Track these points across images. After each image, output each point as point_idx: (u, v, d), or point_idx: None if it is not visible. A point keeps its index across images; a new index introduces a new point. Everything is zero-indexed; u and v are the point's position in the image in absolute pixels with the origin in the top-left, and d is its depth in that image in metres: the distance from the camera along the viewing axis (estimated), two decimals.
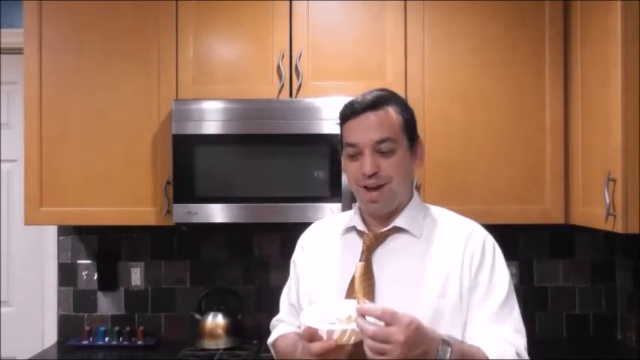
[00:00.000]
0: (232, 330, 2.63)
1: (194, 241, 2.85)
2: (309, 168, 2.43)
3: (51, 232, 2.87)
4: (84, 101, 2.53)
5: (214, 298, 2.76)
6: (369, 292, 1.34)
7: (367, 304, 1.21)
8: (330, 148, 2.40)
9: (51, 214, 2.52)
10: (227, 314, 2.65)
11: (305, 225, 2.76)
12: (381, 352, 1.15)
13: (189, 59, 2.52)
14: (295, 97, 2.49)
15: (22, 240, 2.92)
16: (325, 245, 1.52)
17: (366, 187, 1.38)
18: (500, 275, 1.39)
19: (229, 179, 2.45)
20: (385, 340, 1.15)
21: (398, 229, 1.42)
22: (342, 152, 1.45)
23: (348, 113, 1.40)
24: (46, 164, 2.52)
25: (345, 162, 1.43)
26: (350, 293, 1.35)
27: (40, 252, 2.90)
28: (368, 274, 1.37)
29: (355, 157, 1.39)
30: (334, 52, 2.51)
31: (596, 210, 2.12)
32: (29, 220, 2.53)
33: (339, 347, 1.22)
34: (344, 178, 2.34)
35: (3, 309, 2.92)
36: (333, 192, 2.39)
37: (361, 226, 1.45)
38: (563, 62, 2.46)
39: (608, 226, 2.02)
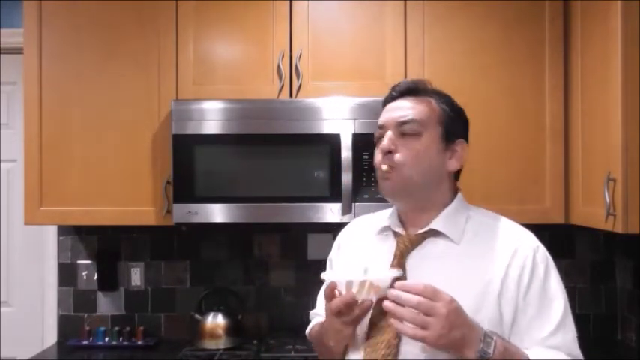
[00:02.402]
0: (232, 330, 2.63)
1: (194, 241, 2.85)
2: (309, 168, 2.43)
3: (51, 232, 2.87)
4: (84, 101, 2.53)
5: (214, 298, 2.76)
6: None
7: (405, 281, 1.16)
8: (330, 148, 2.40)
9: (51, 214, 2.52)
10: (227, 314, 2.65)
11: (305, 225, 2.78)
12: (423, 325, 1.10)
13: (189, 59, 2.52)
14: (295, 97, 2.49)
15: (22, 240, 2.92)
16: (360, 245, 1.44)
17: (381, 166, 1.31)
18: (554, 293, 1.26)
19: (229, 179, 2.45)
20: (428, 312, 1.10)
21: (435, 233, 1.32)
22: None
23: (388, 97, 1.36)
24: (46, 164, 2.52)
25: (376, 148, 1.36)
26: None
27: (40, 252, 2.90)
28: (402, 276, 1.29)
29: (380, 140, 1.33)
30: (334, 52, 2.51)
31: (596, 210, 2.12)
32: (29, 220, 2.53)
33: (359, 305, 1.19)
34: (344, 179, 2.34)
35: (3, 309, 2.93)
36: (333, 192, 2.39)
37: (397, 227, 1.36)
38: (563, 62, 2.46)
39: (608, 226, 2.02)
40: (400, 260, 1.31)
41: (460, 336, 1.12)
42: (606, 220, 2.00)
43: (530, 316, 1.24)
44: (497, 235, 1.32)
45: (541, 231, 2.96)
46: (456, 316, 1.12)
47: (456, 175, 1.40)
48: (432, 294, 1.12)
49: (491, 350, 1.14)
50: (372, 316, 1.28)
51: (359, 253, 1.42)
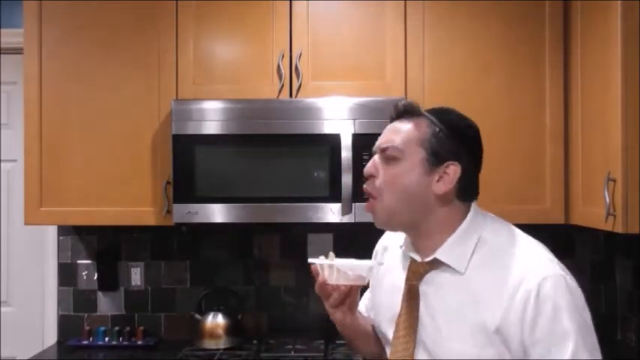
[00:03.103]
0: (232, 330, 2.63)
1: (194, 241, 2.85)
2: (309, 168, 2.43)
3: (51, 232, 2.87)
4: (84, 101, 2.53)
5: (214, 298, 2.76)
6: (413, 326, 1.27)
7: None
8: (330, 148, 2.40)
9: (51, 214, 2.52)
10: (227, 314, 2.65)
11: (305, 225, 2.77)
12: None
13: (189, 59, 2.52)
14: (295, 97, 2.49)
15: (22, 240, 2.92)
16: (388, 254, 1.45)
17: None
18: (564, 333, 1.14)
19: (229, 179, 2.45)
20: None
21: (441, 262, 1.26)
22: None
23: (389, 120, 1.35)
24: (46, 164, 2.52)
25: None
26: (399, 322, 1.30)
27: (40, 252, 2.90)
28: (414, 304, 1.28)
29: None
30: (334, 52, 2.51)
31: (596, 210, 2.12)
32: (29, 220, 2.53)
33: (336, 289, 1.30)
34: (344, 179, 2.34)
35: (3, 309, 2.92)
36: (333, 192, 2.39)
37: (410, 250, 1.32)
38: (563, 62, 2.46)
39: (608, 226, 2.02)
40: (411, 286, 1.29)
41: None
42: (606, 220, 2.00)
43: (540, 354, 1.14)
44: (506, 263, 1.21)
45: (541, 231, 2.95)
46: None
47: (466, 195, 1.29)
48: None
49: None
50: (396, 327, 1.31)
51: (387, 263, 1.43)
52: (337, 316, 1.36)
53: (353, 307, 1.37)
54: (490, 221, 1.31)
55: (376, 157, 1.30)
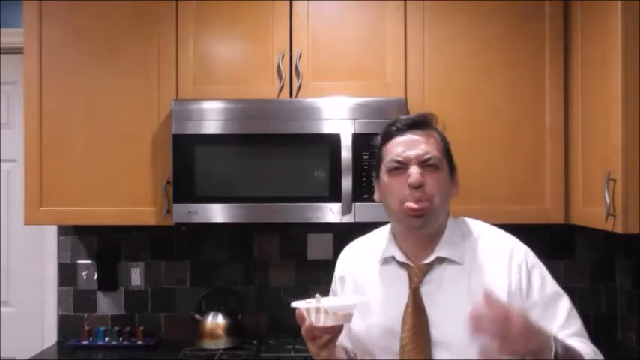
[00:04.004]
0: (232, 330, 2.63)
1: (194, 241, 2.85)
2: (309, 168, 2.43)
3: (51, 232, 2.87)
4: (84, 101, 2.53)
5: (214, 298, 2.76)
6: (424, 330, 1.33)
7: (491, 297, 1.16)
8: (330, 148, 2.40)
9: (51, 214, 2.52)
10: (227, 314, 2.65)
11: (305, 225, 2.77)
12: (506, 336, 1.12)
13: (189, 59, 2.52)
14: (295, 97, 2.49)
15: (22, 240, 2.92)
16: (365, 276, 1.47)
17: (409, 203, 1.34)
18: (552, 285, 1.37)
19: (229, 179, 2.45)
20: (506, 326, 1.12)
21: (441, 258, 1.38)
22: (378, 173, 1.43)
23: (393, 131, 1.40)
24: (46, 164, 2.52)
25: (385, 180, 1.39)
26: (404, 330, 1.34)
27: (40, 252, 2.90)
28: (420, 310, 1.34)
29: (399, 172, 1.36)
30: (334, 52, 2.51)
31: (596, 210, 2.12)
32: (29, 220, 2.53)
33: (325, 330, 1.28)
34: (344, 179, 2.34)
35: (3, 309, 2.93)
36: (333, 192, 2.39)
37: (401, 257, 1.41)
38: (563, 62, 2.46)
39: (608, 226, 2.02)
40: (416, 292, 1.36)
41: (537, 343, 1.17)
42: (606, 220, 2.00)
43: (538, 315, 1.30)
44: (491, 244, 1.40)
45: (541, 231, 2.97)
46: (531, 326, 1.17)
47: None
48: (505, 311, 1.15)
49: (559, 349, 1.18)
50: (402, 342, 1.33)
51: (365, 284, 1.45)
52: (323, 354, 1.34)
53: (335, 342, 1.37)
54: (460, 218, 1.47)
55: (417, 168, 1.35)
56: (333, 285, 1.56)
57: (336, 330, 1.32)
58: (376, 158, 1.44)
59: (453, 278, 1.36)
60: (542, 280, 1.36)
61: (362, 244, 1.56)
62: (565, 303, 1.36)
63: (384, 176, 1.39)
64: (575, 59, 2.38)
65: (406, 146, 1.37)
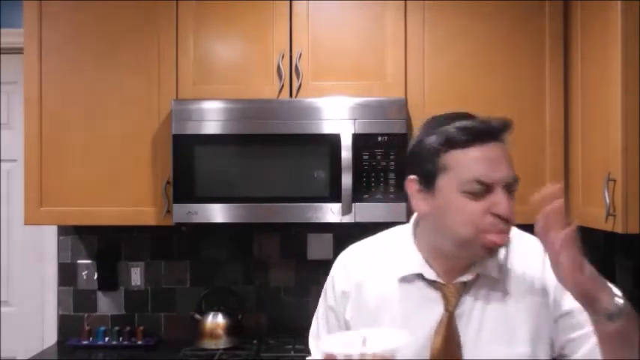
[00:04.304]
0: (232, 330, 2.63)
1: (194, 241, 2.85)
2: (309, 168, 2.43)
3: (51, 232, 2.87)
4: (84, 101, 2.53)
5: (214, 298, 2.76)
6: (457, 354, 1.18)
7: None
8: (330, 148, 2.40)
9: (51, 214, 2.52)
10: (227, 314, 2.65)
11: (305, 225, 2.76)
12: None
13: (189, 59, 2.52)
14: (295, 97, 2.49)
15: (22, 240, 2.92)
16: (379, 293, 1.26)
17: (492, 235, 1.15)
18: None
19: (229, 179, 2.45)
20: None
21: (478, 277, 1.21)
22: (433, 182, 1.18)
23: (468, 138, 1.15)
24: (46, 164, 2.52)
25: (456, 201, 1.15)
26: (435, 355, 1.18)
27: (40, 252, 2.90)
28: (453, 335, 1.18)
29: (479, 194, 1.14)
30: (334, 52, 2.51)
31: (596, 210, 2.12)
32: (29, 220, 2.53)
33: None
34: (344, 179, 2.34)
35: (3, 309, 2.92)
36: (333, 192, 2.39)
37: (431, 275, 1.22)
38: (563, 62, 2.46)
39: (608, 226, 2.02)
40: (452, 315, 1.20)
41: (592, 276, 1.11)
42: (606, 220, 2.00)
43: (572, 324, 1.19)
44: (521, 250, 1.23)
45: None
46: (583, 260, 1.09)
47: None
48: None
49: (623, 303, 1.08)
50: None
51: (382, 304, 1.25)
52: None
53: None
54: None
55: (502, 192, 1.16)
56: (332, 301, 1.34)
57: None
58: (429, 162, 1.18)
59: (489, 295, 1.20)
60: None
61: (367, 253, 1.34)
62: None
63: (454, 194, 1.15)
64: (575, 59, 2.38)
65: (491, 164, 1.14)
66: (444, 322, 1.19)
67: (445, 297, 1.20)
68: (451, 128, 1.16)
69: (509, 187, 1.17)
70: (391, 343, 1.03)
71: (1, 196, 2.94)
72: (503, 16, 2.49)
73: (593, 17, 2.22)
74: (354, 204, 2.37)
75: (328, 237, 2.79)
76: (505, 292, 1.21)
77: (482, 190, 1.14)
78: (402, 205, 2.35)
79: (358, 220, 2.38)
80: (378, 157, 2.38)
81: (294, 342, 2.61)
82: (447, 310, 1.20)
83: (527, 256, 1.23)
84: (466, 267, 1.20)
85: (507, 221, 1.15)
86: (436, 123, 1.22)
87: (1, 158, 2.93)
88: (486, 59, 2.49)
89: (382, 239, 1.35)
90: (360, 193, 2.38)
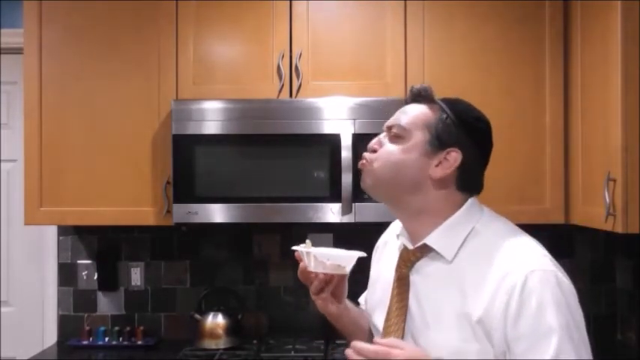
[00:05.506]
0: (232, 330, 2.63)
1: (194, 241, 2.85)
2: (309, 168, 2.43)
3: (51, 232, 2.87)
4: (84, 101, 2.53)
5: (214, 298, 2.76)
6: (402, 315, 1.27)
7: (359, 344, 1.14)
8: (330, 148, 2.40)
9: (51, 214, 2.52)
10: (227, 314, 2.65)
11: (305, 225, 2.77)
12: None
13: (189, 59, 2.52)
14: (295, 97, 2.49)
15: (22, 240, 2.92)
16: (387, 248, 1.45)
17: None
18: (549, 328, 1.10)
19: (229, 179, 2.45)
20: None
21: (430, 249, 1.26)
22: None
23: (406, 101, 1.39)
24: (46, 164, 2.52)
25: None
26: (390, 311, 1.30)
27: (40, 252, 2.90)
28: (403, 293, 1.28)
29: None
30: (334, 52, 2.51)
31: (596, 210, 2.12)
32: (29, 220, 2.53)
33: (316, 277, 1.38)
34: (344, 179, 2.34)
35: (3, 309, 2.92)
36: (333, 192, 2.39)
37: (403, 238, 1.32)
38: (563, 62, 2.46)
39: (608, 226, 2.02)
40: (401, 274, 1.29)
41: None
42: (606, 220, 2.00)
43: (523, 350, 1.11)
44: (495, 255, 1.19)
45: (541, 231, 2.95)
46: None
47: (466, 186, 1.32)
48: (384, 353, 1.12)
49: None
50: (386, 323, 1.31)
51: (384, 256, 1.44)
52: (318, 303, 1.43)
53: (337, 296, 1.42)
54: (487, 215, 1.31)
55: (382, 135, 1.33)
56: (375, 249, 1.53)
57: (327, 280, 1.37)
58: None
59: (438, 275, 1.24)
60: (539, 311, 1.11)
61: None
62: (552, 347, 1.09)
63: None
64: (575, 59, 2.38)
65: (394, 115, 1.35)
66: (396, 281, 1.31)
67: (400, 258, 1.31)
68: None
69: (390, 132, 1.31)
70: (332, 250, 1.38)
71: (1, 196, 2.94)
72: (504, 16, 2.49)
73: (593, 17, 2.22)
74: (354, 204, 2.37)
75: (328, 237, 2.79)
76: (451, 279, 1.22)
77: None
78: None
79: (358, 220, 2.38)
80: None
81: (294, 342, 2.61)
82: (397, 270, 1.31)
83: (495, 260, 1.19)
84: (422, 237, 1.27)
85: (374, 152, 1.31)
86: None
87: (1, 158, 2.93)
88: (486, 59, 2.49)
89: None
90: (360, 192, 2.36)
